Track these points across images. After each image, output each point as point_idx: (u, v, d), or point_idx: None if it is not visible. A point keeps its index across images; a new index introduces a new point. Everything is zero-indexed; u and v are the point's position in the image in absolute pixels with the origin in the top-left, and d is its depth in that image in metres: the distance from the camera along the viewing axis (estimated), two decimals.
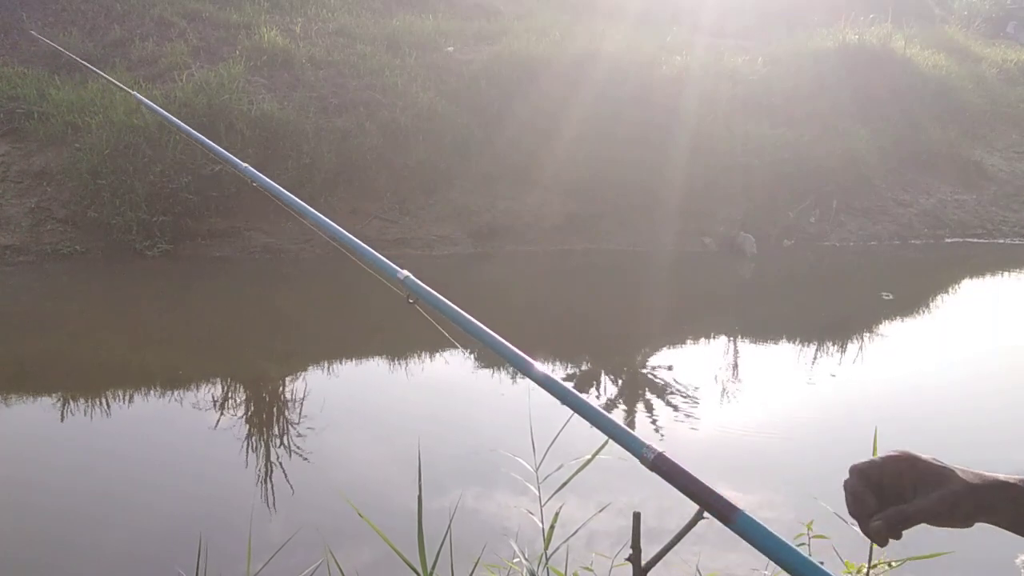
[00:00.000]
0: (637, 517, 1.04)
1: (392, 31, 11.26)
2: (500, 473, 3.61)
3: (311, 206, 1.78)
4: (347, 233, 1.54)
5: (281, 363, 5.99)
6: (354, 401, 5.47)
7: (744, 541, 0.81)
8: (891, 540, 0.82)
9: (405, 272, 1.39)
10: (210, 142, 1.83)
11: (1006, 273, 10.06)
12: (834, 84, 11.77)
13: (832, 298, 8.59)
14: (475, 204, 9.32)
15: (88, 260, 7.81)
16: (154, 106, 1.95)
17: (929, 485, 0.82)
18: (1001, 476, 0.83)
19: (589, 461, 2.07)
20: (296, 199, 1.72)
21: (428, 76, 10.22)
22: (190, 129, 1.84)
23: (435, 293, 1.33)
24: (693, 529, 1.11)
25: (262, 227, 8.50)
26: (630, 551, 1.06)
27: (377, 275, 1.43)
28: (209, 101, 8.65)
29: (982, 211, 11.27)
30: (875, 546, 2.02)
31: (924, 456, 0.85)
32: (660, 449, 0.92)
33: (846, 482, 0.85)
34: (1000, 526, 0.83)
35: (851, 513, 0.84)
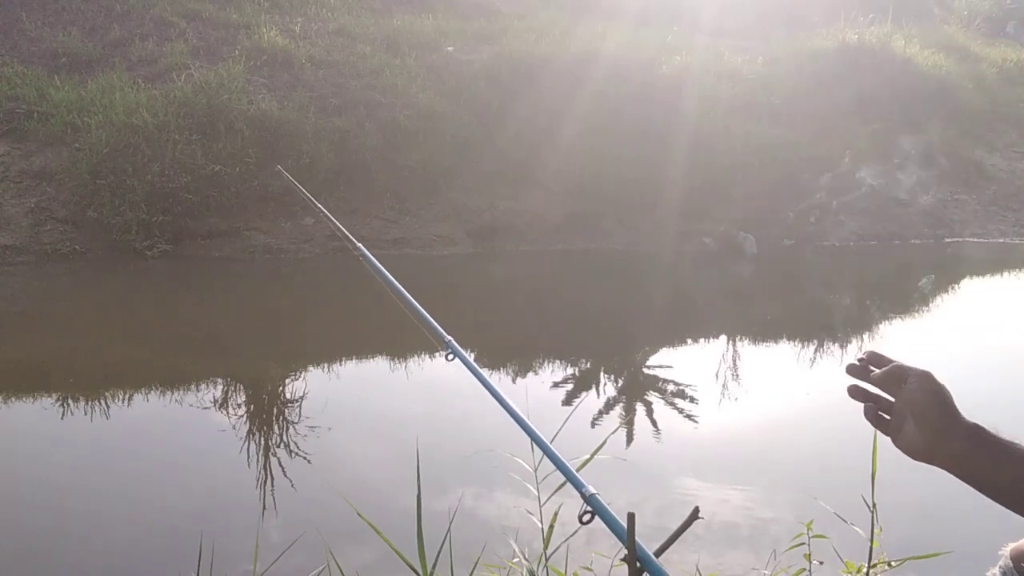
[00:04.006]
0: (631, 518, 1.04)
1: (392, 31, 11.26)
2: (499, 473, 3.61)
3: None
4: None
5: (281, 363, 5.99)
6: (354, 401, 5.47)
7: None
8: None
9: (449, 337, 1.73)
10: (417, 305, 1.84)
11: (1006, 273, 10.06)
12: (834, 84, 11.78)
13: (835, 298, 8.59)
14: (475, 204, 9.32)
15: (88, 260, 7.80)
16: (376, 263, 1.99)
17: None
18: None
19: (588, 460, 2.07)
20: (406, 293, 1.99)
21: (428, 76, 10.22)
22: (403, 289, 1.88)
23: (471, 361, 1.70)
24: (692, 529, 1.11)
25: (262, 227, 8.50)
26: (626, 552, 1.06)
27: (428, 333, 1.78)
28: (209, 101, 8.65)
29: (982, 211, 11.28)
30: (875, 545, 2.03)
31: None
32: None
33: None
34: (952, 471, 0.89)
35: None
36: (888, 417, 0.96)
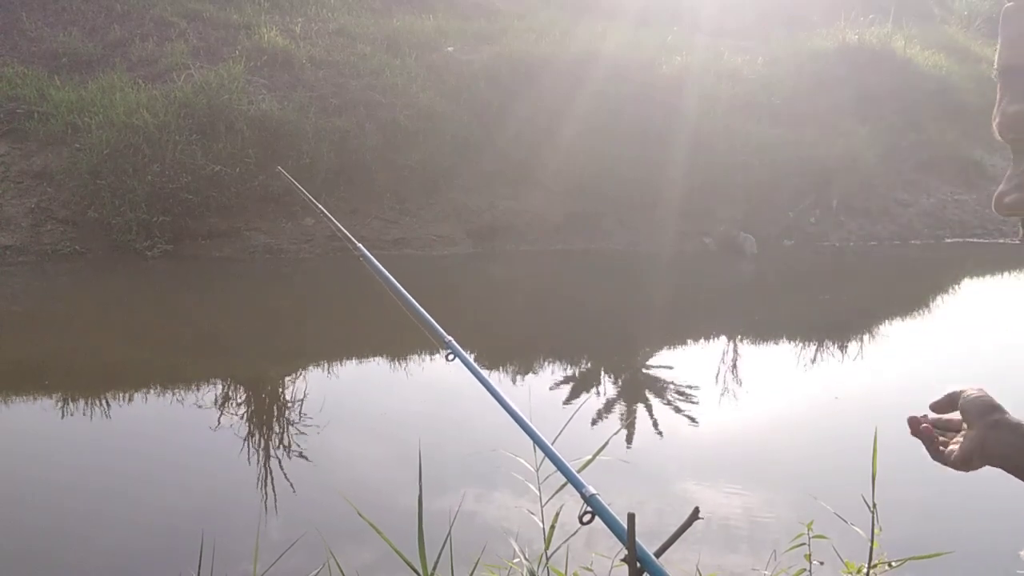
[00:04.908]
0: (632, 518, 1.04)
1: (392, 31, 11.25)
2: (500, 473, 3.61)
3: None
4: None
5: (281, 363, 5.99)
6: (354, 401, 5.47)
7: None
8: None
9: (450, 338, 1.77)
10: (417, 305, 1.86)
11: (1006, 273, 10.06)
12: (834, 84, 11.78)
13: (832, 298, 8.59)
14: (475, 204, 9.33)
15: (88, 260, 7.80)
16: (376, 263, 2.02)
17: None
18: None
19: (590, 461, 2.07)
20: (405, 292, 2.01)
21: (428, 76, 10.22)
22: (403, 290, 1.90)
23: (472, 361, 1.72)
24: (692, 529, 1.11)
25: (262, 227, 8.50)
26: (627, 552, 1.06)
27: (428, 334, 1.81)
28: (209, 101, 8.65)
29: (982, 211, 11.27)
30: (875, 546, 2.03)
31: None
32: None
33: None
34: (1006, 468, 0.93)
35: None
36: (946, 448, 1.00)
